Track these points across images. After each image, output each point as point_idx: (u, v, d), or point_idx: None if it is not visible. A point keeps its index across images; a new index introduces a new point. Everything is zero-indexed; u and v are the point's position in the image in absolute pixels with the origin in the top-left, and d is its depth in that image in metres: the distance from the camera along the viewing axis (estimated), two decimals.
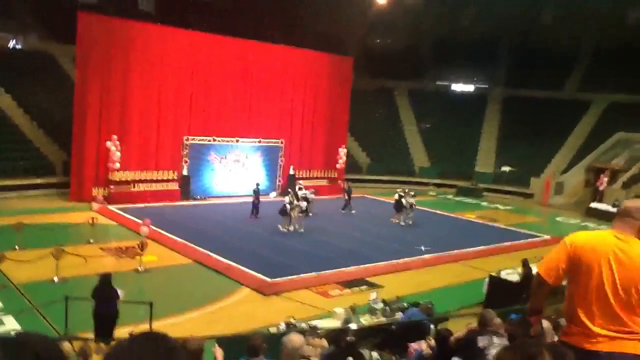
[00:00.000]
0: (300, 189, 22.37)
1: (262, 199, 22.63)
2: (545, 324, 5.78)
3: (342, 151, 30.32)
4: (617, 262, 3.05)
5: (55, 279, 12.80)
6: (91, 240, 16.49)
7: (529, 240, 21.74)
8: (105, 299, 9.63)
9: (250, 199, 22.22)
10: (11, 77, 27.74)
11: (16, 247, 14.96)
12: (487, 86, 41.94)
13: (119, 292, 9.79)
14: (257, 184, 22.85)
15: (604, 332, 3.05)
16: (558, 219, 27.86)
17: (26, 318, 10.61)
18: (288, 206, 19.74)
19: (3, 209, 19.84)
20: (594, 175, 32.14)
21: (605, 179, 30.36)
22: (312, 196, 22.39)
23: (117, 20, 24.13)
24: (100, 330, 9.46)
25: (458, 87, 42.18)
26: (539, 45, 38.29)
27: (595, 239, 3.20)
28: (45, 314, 10.75)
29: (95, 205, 21.01)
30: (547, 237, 22.59)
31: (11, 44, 30.59)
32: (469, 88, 42.15)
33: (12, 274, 12.93)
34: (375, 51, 42.01)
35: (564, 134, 35.92)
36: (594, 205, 28.61)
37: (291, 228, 19.74)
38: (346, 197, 24.68)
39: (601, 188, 29.98)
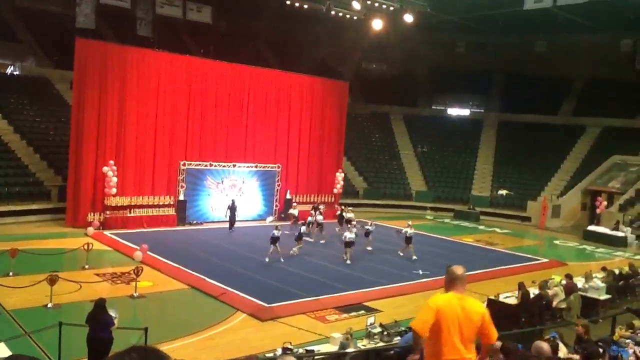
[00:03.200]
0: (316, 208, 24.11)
1: (258, 224, 22.67)
2: (545, 345, 5.93)
3: (340, 176, 30.36)
4: (462, 315, 4.56)
5: (50, 305, 12.66)
6: (86, 266, 16.37)
7: (528, 263, 21.67)
8: (99, 324, 9.51)
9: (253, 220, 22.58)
10: (8, 102, 27.88)
11: (10, 273, 14.87)
12: (482, 111, 42.22)
13: (114, 317, 9.68)
14: (233, 200, 24.52)
15: (460, 358, 4.56)
16: (556, 242, 27.82)
17: (19, 345, 10.44)
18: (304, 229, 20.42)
19: None
20: (591, 198, 32.23)
21: (605, 203, 30.41)
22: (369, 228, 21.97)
23: (114, 46, 24.37)
24: (94, 356, 9.33)
25: (454, 111, 42.40)
26: (534, 71, 38.81)
27: (448, 301, 4.64)
28: (38, 341, 10.60)
29: (90, 231, 20.86)
30: (545, 260, 22.56)
31: (9, 69, 30.79)
32: (465, 112, 42.38)
33: (5, 300, 12.78)
34: (371, 76, 42.43)
35: (560, 158, 36.11)
36: (591, 228, 28.60)
37: (296, 251, 19.85)
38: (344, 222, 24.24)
39: (599, 211, 30.01)
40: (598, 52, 36.25)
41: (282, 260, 18.79)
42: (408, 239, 20.77)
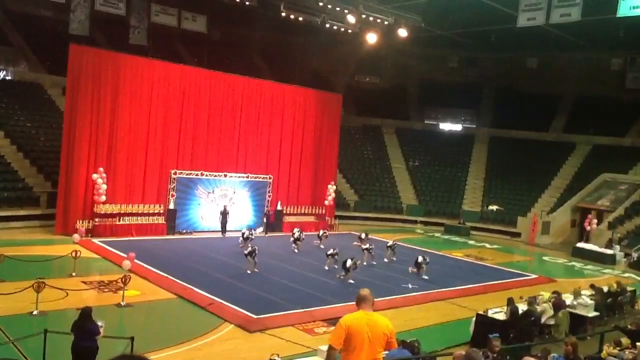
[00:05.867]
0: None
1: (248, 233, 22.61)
2: None
3: (332, 188, 30.37)
4: (369, 329, 5.54)
5: (35, 312, 12.51)
6: (73, 274, 16.22)
7: (517, 279, 21.68)
8: (85, 333, 9.39)
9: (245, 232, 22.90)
10: None
11: None
12: (474, 126, 42.44)
13: (100, 326, 9.57)
14: (225, 206, 25.52)
15: None
16: (545, 258, 27.89)
17: (3, 352, 10.30)
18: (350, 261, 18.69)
19: None
20: (580, 215, 32.36)
21: (595, 220, 30.48)
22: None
23: (108, 53, 24.35)
24: None
25: (446, 126, 42.56)
26: (525, 87, 39.16)
27: (356, 319, 5.60)
28: (22, 348, 10.45)
29: (75, 238, 20.56)
30: (534, 276, 22.59)
31: (1, 74, 30.60)
32: (457, 127, 42.55)
33: None
34: (364, 89, 42.61)
35: (550, 174, 36.30)
36: (580, 245, 28.69)
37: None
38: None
39: (588, 229, 30.09)
40: (589, 69, 36.74)
41: (249, 272, 18.26)
42: (418, 265, 20.24)
